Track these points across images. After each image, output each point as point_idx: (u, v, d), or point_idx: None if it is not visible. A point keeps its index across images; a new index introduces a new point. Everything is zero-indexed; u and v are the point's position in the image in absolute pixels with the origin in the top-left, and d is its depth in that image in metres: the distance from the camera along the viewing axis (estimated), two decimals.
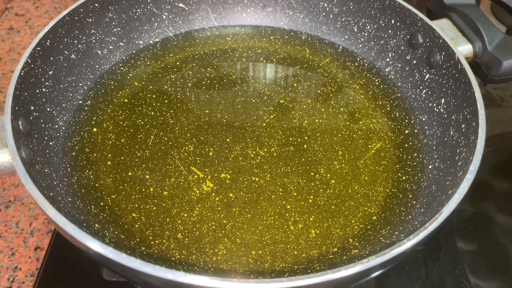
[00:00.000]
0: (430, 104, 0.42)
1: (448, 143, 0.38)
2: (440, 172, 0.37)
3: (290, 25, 0.51)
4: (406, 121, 0.43)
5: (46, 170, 0.34)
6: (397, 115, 0.44)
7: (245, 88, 0.45)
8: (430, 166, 0.39)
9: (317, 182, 0.38)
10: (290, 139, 0.41)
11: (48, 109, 0.38)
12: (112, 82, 0.45)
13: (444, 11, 0.45)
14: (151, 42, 0.49)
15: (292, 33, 0.51)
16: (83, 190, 0.36)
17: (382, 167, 0.39)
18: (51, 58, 0.39)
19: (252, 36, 0.51)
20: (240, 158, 0.39)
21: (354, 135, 0.42)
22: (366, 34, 0.48)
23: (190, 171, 0.38)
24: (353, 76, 0.47)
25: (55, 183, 0.35)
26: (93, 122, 0.41)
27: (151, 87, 0.45)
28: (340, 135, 0.42)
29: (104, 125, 0.41)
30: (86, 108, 0.42)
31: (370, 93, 0.46)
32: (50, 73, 0.39)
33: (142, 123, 0.41)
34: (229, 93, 0.45)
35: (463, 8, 0.43)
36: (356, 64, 0.48)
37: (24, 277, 0.40)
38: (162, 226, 0.35)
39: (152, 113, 0.42)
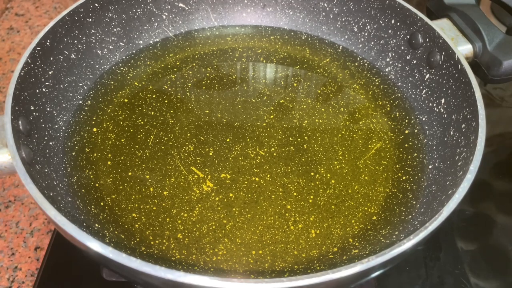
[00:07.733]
0: (430, 104, 0.42)
1: (448, 143, 0.38)
2: (440, 172, 0.37)
3: (290, 25, 0.51)
4: (406, 121, 0.43)
5: (46, 170, 0.34)
6: (397, 115, 0.44)
7: (245, 88, 0.45)
8: (430, 166, 0.39)
9: (317, 182, 0.38)
10: (290, 139, 0.41)
11: (48, 109, 0.38)
12: (112, 82, 0.45)
13: (444, 11, 0.45)
14: (151, 42, 0.49)
15: (292, 33, 0.51)
16: (83, 190, 0.36)
17: (382, 167, 0.39)
18: (51, 58, 0.39)
19: (252, 36, 0.51)
20: (240, 158, 0.39)
21: (354, 135, 0.42)
22: (366, 34, 0.48)
23: (190, 171, 0.38)
24: (353, 76, 0.47)
25: (55, 183, 0.35)
26: (93, 122, 0.41)
27: (151, 87, 0.45)
28: (340, 135, 0.42)
29: (104, 125, 0.41)
30: (86, 108, 0.42)
31: (370, 93, 0.46)
32: (50, 73, 0.39)
33: (142, 123, 0.41)
34: (229, 93, 0.45)
35: (463, 8, 0.43)
36: (356, 64, 0.48)
37: (24, 277, 0.40)
38: (162, 226, 0.35)
39: (152, 113, 0.42)
